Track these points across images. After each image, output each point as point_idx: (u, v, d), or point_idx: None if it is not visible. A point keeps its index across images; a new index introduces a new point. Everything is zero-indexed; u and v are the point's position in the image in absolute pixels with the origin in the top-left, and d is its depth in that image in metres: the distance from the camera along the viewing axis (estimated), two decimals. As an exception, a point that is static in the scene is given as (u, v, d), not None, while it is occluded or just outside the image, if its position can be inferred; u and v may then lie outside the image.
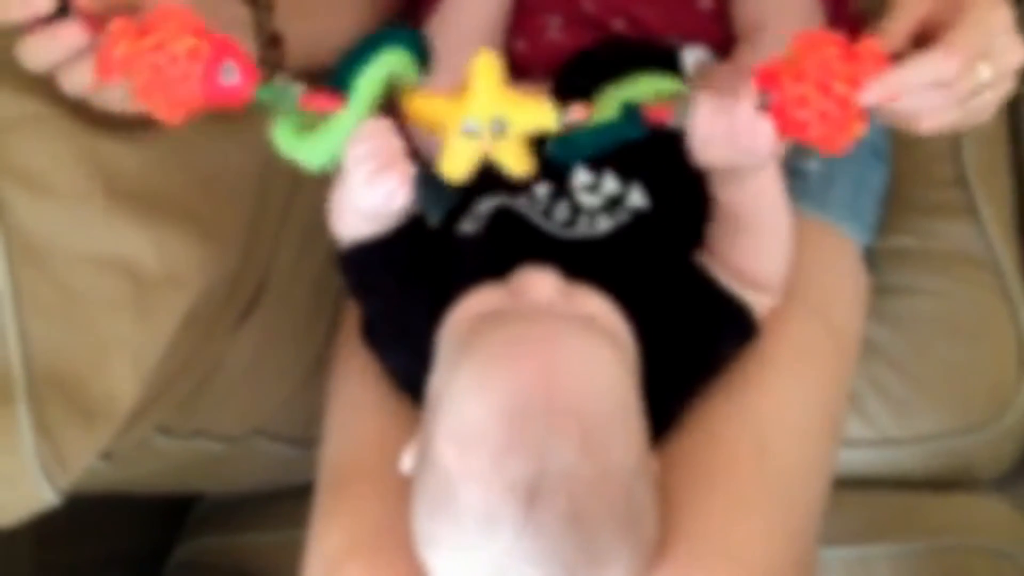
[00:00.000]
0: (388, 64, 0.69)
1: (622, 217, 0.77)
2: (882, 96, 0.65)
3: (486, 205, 0.78)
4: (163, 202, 0.75)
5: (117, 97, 0.69)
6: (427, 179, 0.70)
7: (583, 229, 0.77)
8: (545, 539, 0.62)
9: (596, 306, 0.71)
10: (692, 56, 0.85)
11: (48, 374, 0.70)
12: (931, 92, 0.66)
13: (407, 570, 0.68)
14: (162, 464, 0.93)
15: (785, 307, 0.78)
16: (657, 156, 0.80)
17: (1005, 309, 1.07)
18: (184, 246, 0.76)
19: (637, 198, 0.78)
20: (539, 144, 0.71)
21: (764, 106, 0.66)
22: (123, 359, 0.74)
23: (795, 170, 0.90)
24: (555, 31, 0.90)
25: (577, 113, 0.70)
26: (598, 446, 0.63)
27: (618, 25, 0.90)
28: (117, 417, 0.75)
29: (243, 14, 0.78)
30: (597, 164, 0.79)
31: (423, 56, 0.71)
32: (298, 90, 0.68)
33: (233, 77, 0.66)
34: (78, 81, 0.66)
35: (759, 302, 0.77)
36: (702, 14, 0.90)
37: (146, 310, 0.74)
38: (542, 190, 0.78)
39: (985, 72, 0.66)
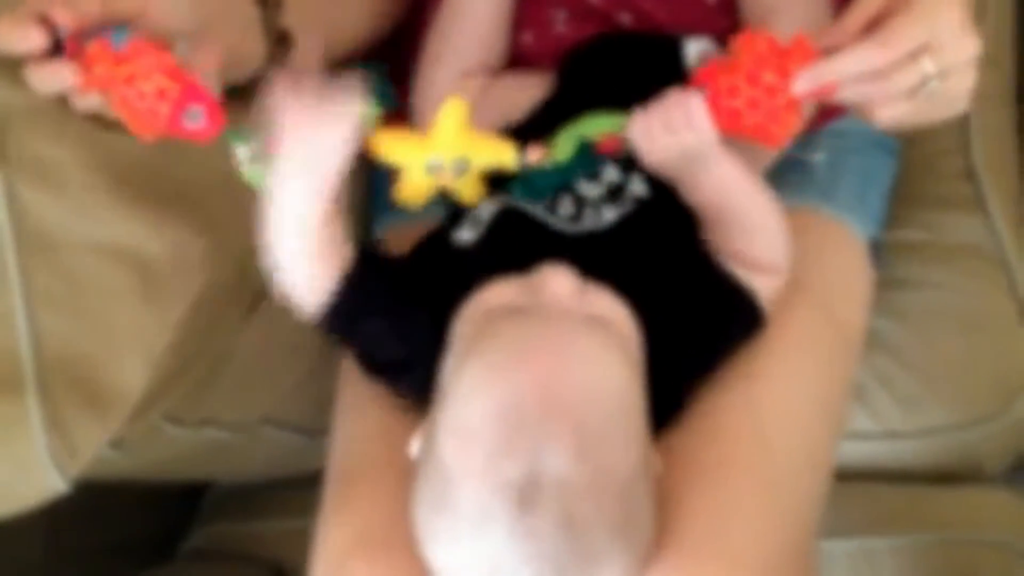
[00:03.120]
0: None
1: (626, 207, 0.77)
2: (813, 85, 0.68)
3: (487, 208, 0.78)
4: (170, 192, 0.76)
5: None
6: None
7: (589, 222, 0.77)
8: (537, 541, 0.62)
9: (608, 306, 0.71)
10: (695, 47, 0.86)
11: (57, 363, 0.71)
12: (868, 83, 0.68)
13: (413, 567, 0.69)
14: (172, 452, 0.93)
15: (788, 299, 0.78)
16: None
17: (1012, 303, 1.06)
18: (191, 236, 0.76)
19: (638, 186, 0.78)
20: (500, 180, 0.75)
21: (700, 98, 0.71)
22: (132, 348, 0.75)
23: (801, 163, 0.90)
24: (561, 24, 0.91)
25: (534, 154, 0.74)
26: (595, 452, 0.63)
27: (624, 18, 0.90)
28: (126, 405, 0.75)
29: (252, 12, 0.78)
30: None
31: (384, 90, 0.73)
32: (263, 136, 0.70)
33: (198, 121, 0.69)
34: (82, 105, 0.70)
35: (766, 286, 0.77)
36: (708, 6, 0.90)
37: (154, 299, 0.75)
38: (543, 185, 0.79)
39: (928, 65, 0.67)
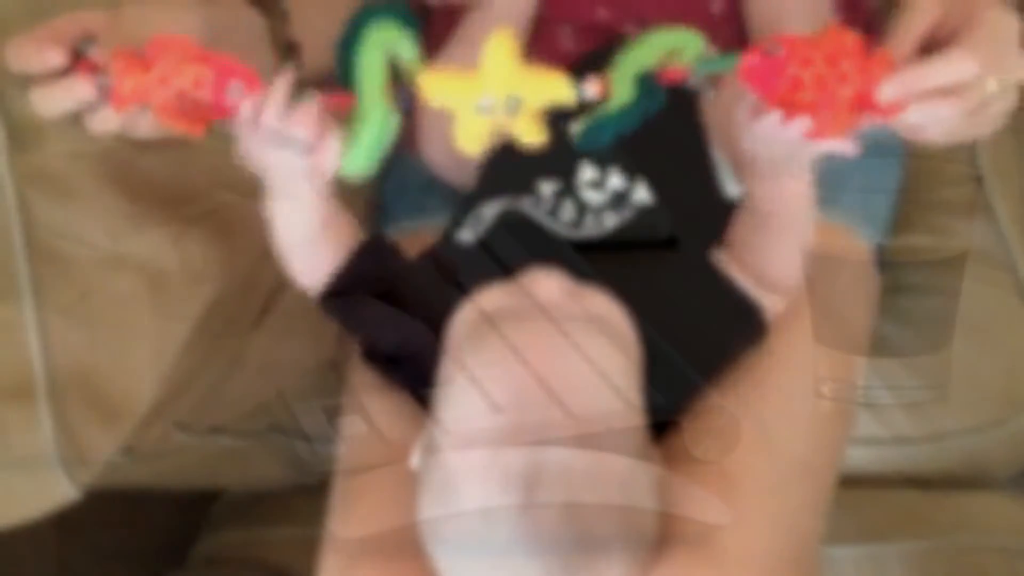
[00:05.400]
0: (380, 44, 0.68)
1: (628, 214, 0.77)
2: (899, 93, 0.64)
3: (490, 209, 0.79)
4: (181, 202, 0.76)
5: (146, 127, 0.70)
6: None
7: (590, 228, 0.77)
8: (542, 532, 0.63)
9: (602, 306, 0.71)
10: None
11: (68, 372, 0.72)
12: (941, 99, 0.65)
13: (420, 569, 0.69)
14: (181, 460, 0.94)
15: (793, 305, 0.78)
16: (661, 151, 0.81)
17: (1020, 307, 1.06)
18: (202, 247, 0.77)
19: (642, 194, 0.78)
20: (555, 129, 0.70)
21: (771, 53, 0.65)
22: (142, 356, 0.75)
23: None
24: (567, 40, 0.91)
25: (593, 87, 0.68)
26: (594, 442, 0.64)
27: (629, 31, 0.90)
28: (136, 413, 0.76)
29: (259, 24, 0.79)
30: (602, 160, 0.79)
31: (410, 23, 0.68)
32: (309, 95, 0.68)
33: (241, 96, 0.67)
34: (100, 125, 0.68)
35: (771, 303, 0.77)
36: (714, 18, 0.90)
37: (164, 309, 0.76)
38: (547, 189, 0.79)
39: (992, 84, 0.65)
